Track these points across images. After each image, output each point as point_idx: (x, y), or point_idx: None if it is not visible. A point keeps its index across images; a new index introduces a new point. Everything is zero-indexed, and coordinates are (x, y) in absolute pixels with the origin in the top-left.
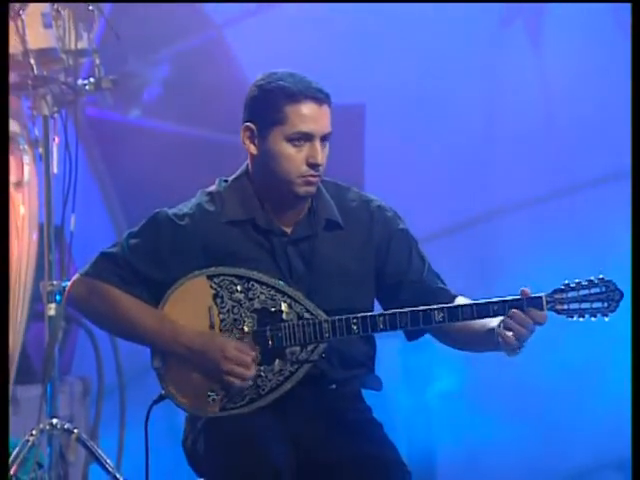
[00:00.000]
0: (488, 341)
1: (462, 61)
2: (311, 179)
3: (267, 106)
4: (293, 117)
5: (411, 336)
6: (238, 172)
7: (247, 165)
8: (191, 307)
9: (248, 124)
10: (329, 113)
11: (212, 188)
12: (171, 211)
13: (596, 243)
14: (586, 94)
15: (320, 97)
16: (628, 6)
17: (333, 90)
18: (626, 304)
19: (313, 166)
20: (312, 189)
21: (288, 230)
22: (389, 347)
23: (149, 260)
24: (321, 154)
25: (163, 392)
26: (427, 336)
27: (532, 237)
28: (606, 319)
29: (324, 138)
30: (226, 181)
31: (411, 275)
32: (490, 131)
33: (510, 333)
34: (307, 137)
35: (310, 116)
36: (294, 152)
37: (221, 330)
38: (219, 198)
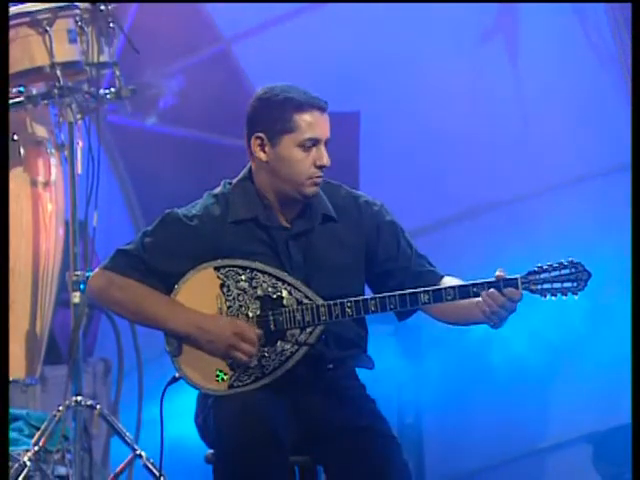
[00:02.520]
0: (474, 317)
1: (448, 72)
2: (317, 180)
3: (276, 116)
4: (302, 125)
5: (401, 317)
6: (241, 175)
7: (249, 168)
8: (200, 296)
9: (259, 134)
10: (328, 120)
11: (217, 190)
12: (181, 212)
13: (581, 239)
14: (561, 102)
15: (322, 105)
16: (600, 23)
17: (331, 98)
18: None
19: (320, 167)
20: (318, 189)
21: (288, 225)
22: (381, 330)
23: (161, 256)
24: (326, 156)
25: (177, 374)
26: (416, 322)
27: (518, 233)
28: (575, 297)
29: (326, 142)
30: (230, 183)
31: (401, 261)
32: (475, 134)
33: (488, 309)
34: (314, 142)
35: (316, 123)
36: (304, 156)
37: (228, 316)
38: (224, 199)
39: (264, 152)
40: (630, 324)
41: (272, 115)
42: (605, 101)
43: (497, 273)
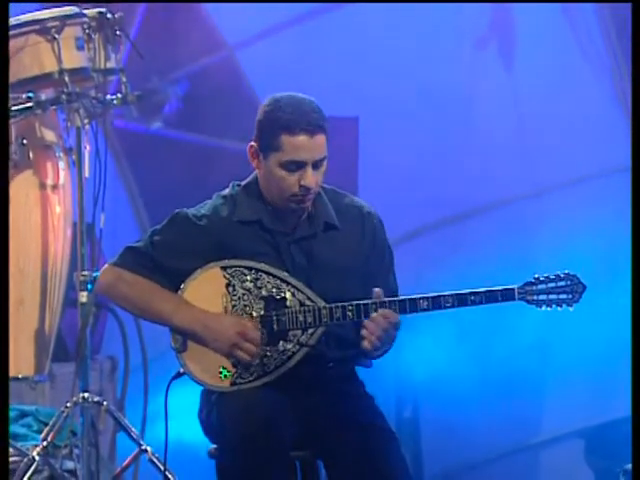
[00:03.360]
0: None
1: (444, 78)
2: (302, 198)
3: (268, 133)
4: (288, 147)
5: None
6: (249, 178)
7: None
8: (207, 294)
9: (253, 143)
10: (323, 140)
11: (226, 191)
12: (190, 212)
13: (570, 241)
14: (555, 107)
15: (312, 129)
16: (591, 28)
17: (330, 104)
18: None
19: (304, 187)
20: (305, 205)
21: (291, 230)
22: None
23: (170, 254)
24: (312, 178)
25: (181, 370)
26: (412, 318)
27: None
28: (571, 309)
29: (317, 163)
30: (239, 185)
31: (377, 281)
32: (469, 138)
33: (372, 336)
34: (299, 165)
35: (302, 147)
36: (287, 175)
37: (233, 314)
38: (232, 201)
39: (257, 160)
40: (624, 323)
41: (264, 130)
42: (597, 105)
43: (375, 290)
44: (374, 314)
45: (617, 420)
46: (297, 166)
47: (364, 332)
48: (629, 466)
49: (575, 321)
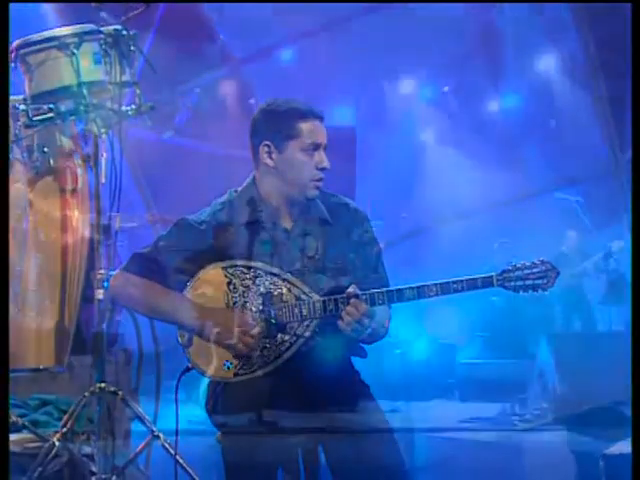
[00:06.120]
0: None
1: (435, 92)
2: (318, 183)
3: (282, 125)
4: (306, 131)
5: None
6: (245, 184)
7: (253, 177)
8: (210, 293)
9: (266, 142)
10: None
11: (224, 198)
12: (192, 218)
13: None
14: (540, 117)
15: (321, 115)
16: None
17: (330, 115)
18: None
19: (322, 170)
20: (318, 192)
21: (289, 227)
22: None
23: (174, 258)
24: (327, 160)
25: (189, 365)
26: (407, 314)
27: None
28: (546, 293)
29: (325, 147)
30: (236, 191)
31: (368, 271)
32: (459, 146)
33: (347, 327)
34: (316, 147)
35: (317, 130)
36: (307, 160)
37: (234, 310)
38: (230, 206)
39: (271, 159)
40: (605, 319)
41: (278, 123)
42: (578, 117)
43: (349, 290)
44: (347, 306)
45: (598, 408)
46: (314, 148)
47: (339, 322)
48: (608, 451)
49: (559, 318)
